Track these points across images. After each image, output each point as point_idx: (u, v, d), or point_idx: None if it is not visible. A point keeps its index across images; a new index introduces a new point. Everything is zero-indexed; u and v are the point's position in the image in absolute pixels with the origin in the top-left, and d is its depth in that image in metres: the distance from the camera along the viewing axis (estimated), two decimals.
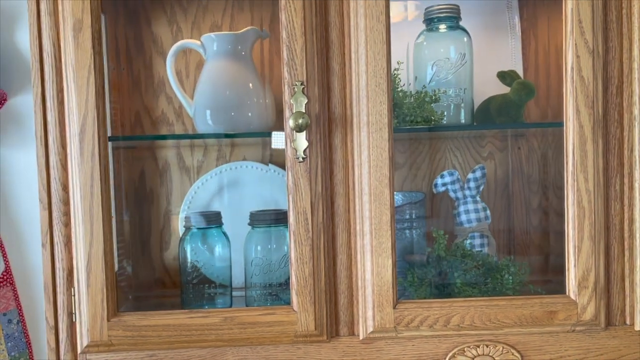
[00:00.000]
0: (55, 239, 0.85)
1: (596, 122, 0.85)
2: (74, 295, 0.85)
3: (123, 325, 0.85)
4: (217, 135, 1.06)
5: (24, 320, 1.23)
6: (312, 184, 0.85)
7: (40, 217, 0.86)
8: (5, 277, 1.21)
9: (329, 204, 0.87)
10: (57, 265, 0.85)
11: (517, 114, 1.07)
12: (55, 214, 0.85)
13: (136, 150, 1.20)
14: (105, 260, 0.83)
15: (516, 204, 1.22)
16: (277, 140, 0.99)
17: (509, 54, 1.20)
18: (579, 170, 0.85)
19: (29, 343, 1.23)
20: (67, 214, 0.85)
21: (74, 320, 0.86)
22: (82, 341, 0.85)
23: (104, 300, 0.84)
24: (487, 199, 1.22)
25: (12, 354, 1.19)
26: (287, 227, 1.07)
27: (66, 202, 0.85)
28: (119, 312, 0.85)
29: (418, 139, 1.22)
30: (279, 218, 1.06)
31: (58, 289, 0.85)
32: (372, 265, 0.86)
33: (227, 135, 1.06)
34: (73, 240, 0.85)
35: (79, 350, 0.86)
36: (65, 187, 0.85)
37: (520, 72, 1.18)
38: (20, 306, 1.23)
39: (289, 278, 1.05)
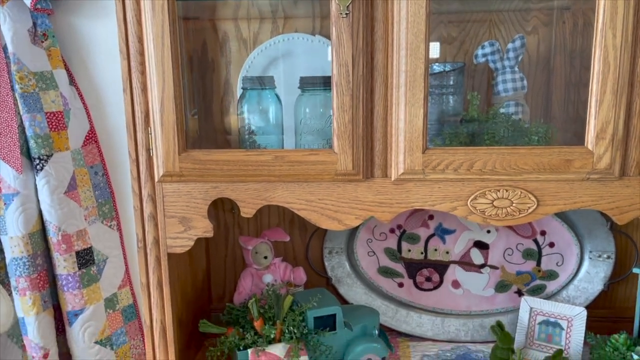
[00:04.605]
0: (134, 85, 1.00)
1: None
2: (151, 134, 1.01)
3: (191, 159, 1.01)
4: None
5: (107, 172, 1.43)
6: (353, 38, 0.94)
7: (121, 67, 1.00)
8: (90, 136, 1.40)
9: (369, 58, 0.97)
10: (136, 108, 1.01)
11: None
12: (133, 63, 0.99)
13: (199, 22, 1.31)
14: (176, 102, 0.98)
15: (556, 78, 1.26)
16: None
17: None
18: (608, 27, 0.89)
19: (112, 192, 1.44)
20: (142, 63, 0.99)
21: (151, 154, 1.02)
22: (159, 171, 1.02)
23: (175, 137, 0.99)
24: (527, 72, 1.26)
25: (99, 200, 1.41)
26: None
27: (141, 52, 0.98)
28: (187, 149, 1.01)
29: (464, 12, 1.26)
30: (326, 82, 1.16)
31: (137, 128, 1.01)
32: (405, 114, 0.96)
33: None
34: (148, 86, 0.99)
35: (156, 180, 1.03)
36: (140, 39, 0.98)
37: None
38: (104, 161, 1.43)
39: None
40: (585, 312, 1.23)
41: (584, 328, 1.23)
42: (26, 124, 1.24)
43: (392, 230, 1.40)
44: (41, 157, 1.25)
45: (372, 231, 1.40)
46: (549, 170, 0.95)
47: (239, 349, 1.16)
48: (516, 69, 1.19)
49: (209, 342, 1.24)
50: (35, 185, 1.27)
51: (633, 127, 0.93)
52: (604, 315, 1.36)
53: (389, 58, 0.96)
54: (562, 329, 1.25)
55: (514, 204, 0.98)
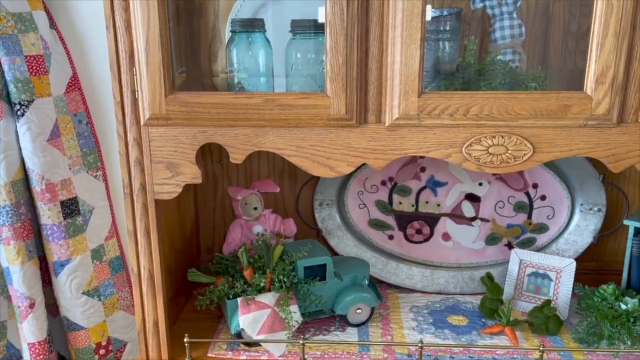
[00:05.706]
0: (117, 24, 0.94)
1: None
2: (136, 74, 0.96)
3: (178, 102, 0.97)
4: None
5: (92, 121, 1.39)
6: None
7: (103, 3, 0.95)
8: (73, 82, 1.35)
9: None
10: (120, 47, 0.96)
11: None
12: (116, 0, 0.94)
13: None
14: (162, 41, 0.93)
15: (554, 26, 1.23)
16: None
17: None
18: None
19: (97, 141, 1.40)
20: None
21: (136, 96, 0.98)
22: (145, 114, 0.98)
23: (161, 78, 0.95)
24: (526, 19, 1.23)
25: (84, 149, 1.37)
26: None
27: None
28: (174, 91, 0.97)
29: None
30: (318, 26, 1.12)
31: (122, 69, 0.97)
32: (401, 56, 0.92)
33: None
34: (133, 24, 0.94)
35: (142, 123, 0.99)
36: None
37: None
38: (88, 109, 1.38)
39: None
40: (574, 264, 1.23)
41: (572, 279, 1.23)
42: (5, 67, 1.18)
43: (383, 183, 1.38)
44: (22, 103, 1.20)
45: (363, 183, 1.38)
46: (546, 116, 0.93)
47: (229, 298, 1.15)
48: (514, 15, 1.16)
49: (198, 292, 1.22)
50: (17, 132, 1.22)
51: (633, 72, 0.91)
52: (592, 268, 1.36)
53: None
54: (551, 280, 1.26)
55: (509, 151, 0.96)
